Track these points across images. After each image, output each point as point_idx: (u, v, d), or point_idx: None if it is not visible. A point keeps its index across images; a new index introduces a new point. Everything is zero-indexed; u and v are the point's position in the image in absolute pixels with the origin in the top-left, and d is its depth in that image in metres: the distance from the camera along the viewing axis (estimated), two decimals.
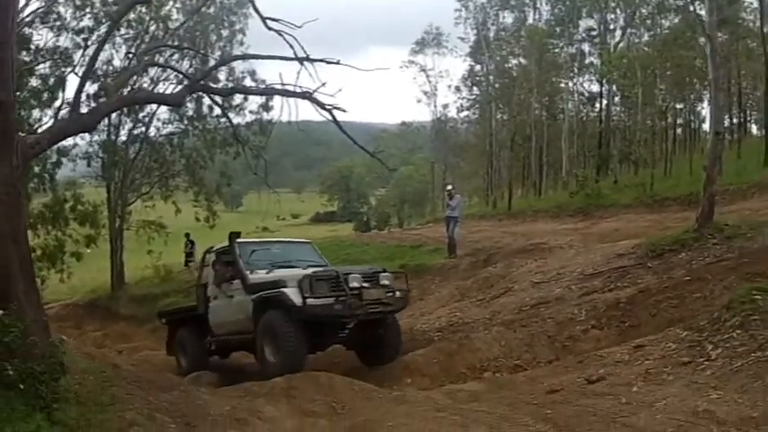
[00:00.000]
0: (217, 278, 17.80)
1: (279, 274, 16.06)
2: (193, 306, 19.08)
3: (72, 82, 33.70)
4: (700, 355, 10.47)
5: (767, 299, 11.08)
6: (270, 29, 16.19)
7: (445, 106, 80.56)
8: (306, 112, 17.72)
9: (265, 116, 38.52)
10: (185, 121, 40.78)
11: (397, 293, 16.13)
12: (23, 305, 9.39)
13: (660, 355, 11.06)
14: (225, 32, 40.94)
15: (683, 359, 10.57)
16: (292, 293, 14.83)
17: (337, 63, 16.54)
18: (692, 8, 30.29)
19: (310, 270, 15.71)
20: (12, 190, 10.08)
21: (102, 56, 35.54)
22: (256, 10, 16.97)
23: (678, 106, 55.34)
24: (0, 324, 8.53)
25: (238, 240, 17.52)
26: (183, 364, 18.77)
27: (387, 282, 16.05)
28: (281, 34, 16.03)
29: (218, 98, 25.39)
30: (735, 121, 55.30)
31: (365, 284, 15.42)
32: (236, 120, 32.99)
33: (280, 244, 20.03)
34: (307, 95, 15.95)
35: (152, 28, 37.79)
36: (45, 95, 33.27)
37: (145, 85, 36.96)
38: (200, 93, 25.41)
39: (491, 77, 69.14)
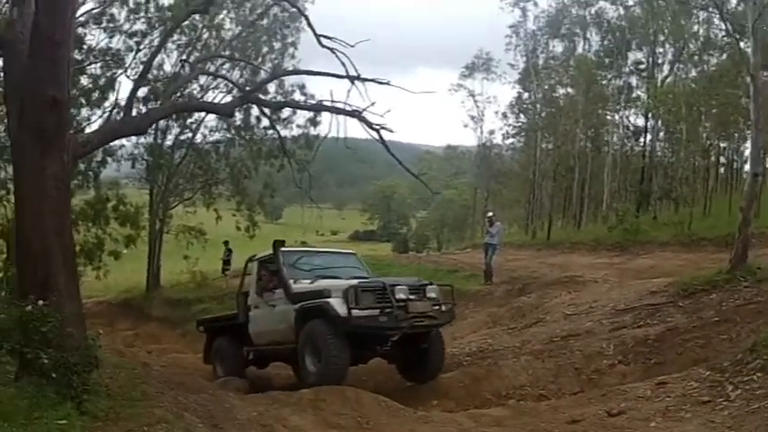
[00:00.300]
0: (259, 287, 17.64)
1: (323, 284, 15.88)
2: (233, 314, 18.80)
3: (122, 84, 34.05)
4: (719, 395, 10.73)
5: None
6: (323, 46, 16.46)
7: (491, 132, 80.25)
8: (351, 129, 17.80)
9: (312, 131, 38.45)
10: (232, 131, 40.94)
11: (443, 307, 15.97)
12: (63, 297, 9.70)
13: (681, 392, 11.31)
14: (277, 45, 41.22)
15: (704, 398, 10.83)
16: (337, 304, 14.63)
17: (387, 84, 16.75)
18: (737, 47, 30.31)
19: (355, 281, 15.54)
20: (61, 186, 10.47)
21: (154, 60, 36.04)
22: (311, 27, 17.28)
23: (722, 145, 54.91)
24: (40, 314, 8.83)
25: (282, 249, 17.36)
26: (219, 373, 18.47)
27: (433, 294, 15.86)
28: (333, 52, 16.31)
29: (267, 110, 25.75)
30: None
31: (411, 297, 15.20)
32: (283, 133, 33.09)
33: (324, 254, 19.96)
34: (356, 114, 16.15)
35: (204, 36, 38.22)
36: (95, 95, 33.55)
37: (194, 92, 37.44)
38: (251, 104, 25.74)
39: (538, 106, 69.16)
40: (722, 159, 57.59)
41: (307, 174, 21.13)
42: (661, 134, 59.37)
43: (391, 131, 16.47)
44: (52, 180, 10.22)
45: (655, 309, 18.33)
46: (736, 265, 19.20)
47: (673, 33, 55.22)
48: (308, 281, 16.40)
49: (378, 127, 16.16)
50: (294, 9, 26.73)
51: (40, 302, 8.96)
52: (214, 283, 38.79)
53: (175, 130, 40.88)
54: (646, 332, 16.57)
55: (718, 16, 33.22)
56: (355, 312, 14.46)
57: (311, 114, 37.74)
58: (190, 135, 41.45)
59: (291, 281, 16.37)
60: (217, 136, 42.24)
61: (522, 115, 75.28)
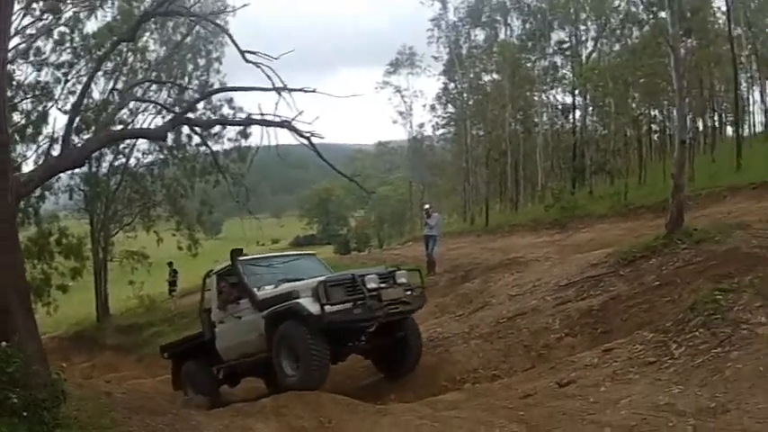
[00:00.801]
0: (221, 301, 16.90)
1: (289, 286, 15.34)
2: (198, 334, 18.14)
3: (54, 116, 34.00)
4: (664, 355, 10.98)
5: (728, 298, 11.60)
6: (248, 61, 16.56)
7: (421, 125, 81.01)
8: (283, 136, 17.79)
9: (244, 143, 38.55)
10: (165, 152, 40.85)
11: (415, 291, 15.81)
12: (24, 336, 9.70)
13: (627, 356, 11.55)
14: (202, 62, 41.42)
15: (649, 359, 11.08)
16: (308, 303, 14.21)
17: (313, 92, 16.87)
18: (656, 19, 30.80)
19: (323, 277, 15.09)
20: (9, 226, 10.44)
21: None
22: (235, 44, 17.33)
23: (653, 113, 55.89)
24: (4, 355, 8.85)
25: (240, 258, 16.76)
26: (192, 397, 17.60)
27: (403, 280, 15.63)
28: (258, 66, 16.41)
29: (198, 129, 25.72)
30: (709, 124, 56.12)
31: (382, 285, 14.91)
32: (215, 147, 33.15)
33: (283, 258, 19.04)
34: (285, 124, 16.21)
35: (130, 59, 38.12)
36: (29, 131, 33.55)
37: (124, 117, 37.40)
38: (182, 125, 25.74)
39: (465, 95, 69.68)
40: (654, 127, 58.54)
41: (242, 187, 21.21)
42: (590, 109, 60.00)
43: (321, 138, 16.61)
44: (1, 221, 10.18)
45: (597, 280, 18.51)
46: (672, 230, 19.51)
47: (594, 10, 56.12)
48: (272, 286, 15.84)
49: (308, 134, 16.26)
50: (206, 21, 26.71)
51: (4, 344, 8.97)
52: (163, 306, 38.91)
53: (109, 157, 40.79)
54: (590, 303, 16.78)
55: None
56: (328, 308, 14.12)
57: (242, 127, 37.86)
58: (124, 160, 41.38)
59: (255, 289, 15.80)
60: (150, 158, 42.34)
61: (449, 106, 76.08)
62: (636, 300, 15.76)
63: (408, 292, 15.47)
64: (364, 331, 14.93)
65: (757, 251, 15.80)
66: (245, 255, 17.45)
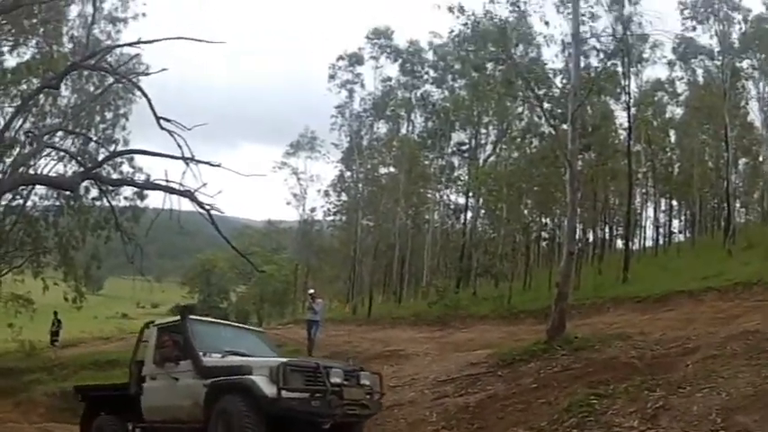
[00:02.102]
0: (159, 356, 15.19)
1: (241, 360, 14.14)
2: (122, 385, 16.33)
3: None
4: None
5: (603, 403, 11.96)
6: (162, 128, 16.69)
7: (313, 209, 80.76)
8: (173, 201, 17.88)
9: (139, 203, 38.77)
10: (62, 200, 40.30)
11: (375, 396, 14.46)
12: None
13: None
14: (109, 115, 41.15)
15: None
16: (262, 382, 12.85)
17: (219, 166, 17.03)
18: (557, 132, 31.63)
19: (282, 358, 13.93)
20: None
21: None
22: (153, 111, 17.64)
23: (544, 221, 57.25)
24: None
25: (191, 317, 15.49)
26: None
27: (367, 382, 14.29)
28: (172, 135, 16.54)
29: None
30: (599, 236, 57.69)
31: (345, 382, 13.54)
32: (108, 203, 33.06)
33: (233, 328, 17.99)
34: (188, 194, 16.30)
35: (41, 101, 37.51)
36: None
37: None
38: (91, 180, 25.54)
39: (360, 185, 70.00)
40: (544, 235, 59.81)
41: (132, 245, 21.08)
42: (482, 212, 61.02)
43: (221, 212, 16.76)
44: None
45: (475, 378, 18.87)
46: (553, 336, 19.99)
47: (497, 114, 57.40)
48: (219, 355, 14.51)
49: (208, 207, 16.34)
50: (127, 81, 26.80)
51: None
52: (43, 354, 38.40)
53: (7, 196, 39.77)
54: (467, 400, 17.06)
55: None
56: (285, 394, 12.72)
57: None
58: (21, 201, 40.55)
59: (201, 353, 14.33)
60: (46, 204, 41.74)
61: (343, 194, 76.29)
62: (513, 399, 16.06)
63: (368, 396, 14.25)
64: (319, 427, 13.42)
65: (635, 361, 16.29)
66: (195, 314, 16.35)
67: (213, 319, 19.37)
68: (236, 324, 20.08)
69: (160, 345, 15.41)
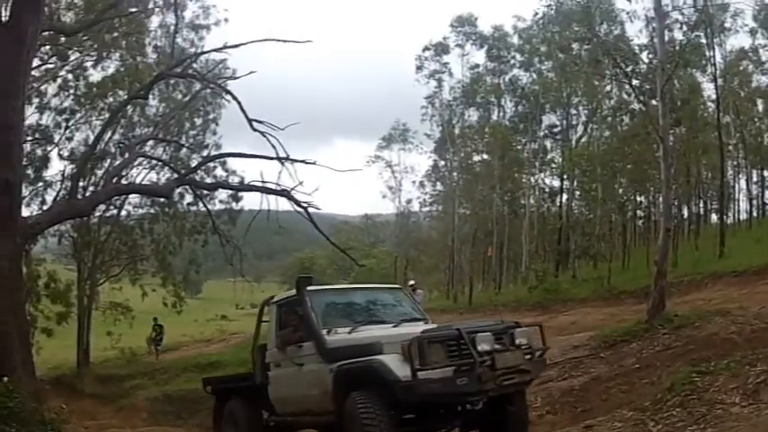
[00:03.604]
0: (280, 339, 13.21)
1: (368, 333, 12.10)
2: (248, 374, 14.78)
3: (53, 160, 34.42)
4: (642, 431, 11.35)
5: (705, 380, 11.98)
6: (255, 130, 17.05)
7: (409, 201, 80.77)
8: (269, 201, 18.06)
9: (235, 206, 39.10)
10: (156, 207, 40.96)
11: (536, 354, 11.95)
12: (22, 374, 9.90)
13: None
14: (198, 121, 41.77)
15: None
16: (393, 363, 10.67)
17: (314, 164, 17.32)
18: (647, 108, 31.45)
19: (417, 327, 11.76)
20: (14, 266, 10.68)
21: (80, 136, 36.99)
22: (244, 113, 17.87)
23: (639, 199, 56.65)
24: (5, 390, 9.03)
25: (309, 288, 13.13)
26: None
27: (523, 340, 11.81)
28: (264, 135, 16.89)
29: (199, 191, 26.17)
30: (694, 212, 56.85)
31: (497, 347, 11.10)
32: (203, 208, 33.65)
33: (362, 292, 14.78)
34: (285, 194, 16.59)
35: (129, 111, 37.88)
36: (28, 173, 33.58)
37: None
38: (186, 185, 26.11)
39: (455, 173, 69.88)
40: (639, 213, 59.12)
41: (229, 247, 21.52)
42: (577, 193, 60.60)
43: (318, 209, 16.98)
44: (5, 260, 10.41)
45: (578, 361, 18.96)
46: (654, 315, 19.99)
47: (586, 94, 56.97)
48: (347, 329, 12.39)
49: (305, 205, 16.62)
50: (216, 87, 27.27)
51: (5, 379, 9.12)
52: (144, 359, 39.22)
53: (101, 207, 40.68)
54: (571, 383, 17.20)
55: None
56: (422, 375, 10.41)
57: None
58: (115, 211, 41.14)
59: (325, 331, 12.27)
60: (141, 212, 42.29)
61: (439, 183, 76.24)
62: (616, 381, 16.16)
63: (528, 357, 11.72)
64: (464, 408, 11.78)
65: (735, 337, 16.27)
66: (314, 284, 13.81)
67: (337, 287, 17.63)
68: (365, 286, 16.97)
69: (281, 325, 13.55)
